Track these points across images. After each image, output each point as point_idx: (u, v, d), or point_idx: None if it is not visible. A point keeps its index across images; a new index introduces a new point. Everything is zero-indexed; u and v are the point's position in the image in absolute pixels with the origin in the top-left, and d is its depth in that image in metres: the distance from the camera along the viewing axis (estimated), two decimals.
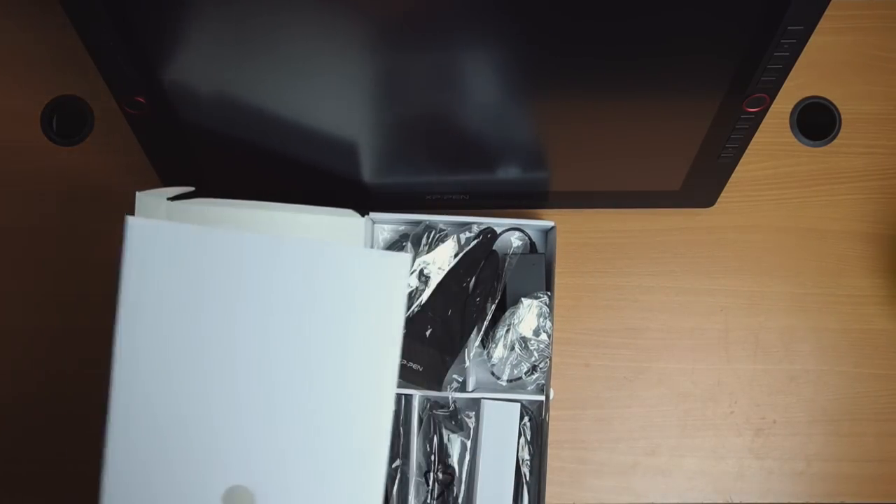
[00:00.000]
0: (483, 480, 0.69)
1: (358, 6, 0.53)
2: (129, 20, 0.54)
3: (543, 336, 0.69)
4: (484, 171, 0.71)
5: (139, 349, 0.50)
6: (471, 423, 0.71)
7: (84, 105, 0.78)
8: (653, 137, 0.66)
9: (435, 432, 0.71)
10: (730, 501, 0.75)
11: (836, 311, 0.77)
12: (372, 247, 0.73)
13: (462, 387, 0.71)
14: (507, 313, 0.70)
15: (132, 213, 0.62)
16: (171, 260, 0.49)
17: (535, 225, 0.73)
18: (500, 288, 0.71)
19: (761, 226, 0.78)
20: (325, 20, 0.54)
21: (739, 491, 0.75)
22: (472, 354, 0.70)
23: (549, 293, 0.70)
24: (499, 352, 0.70)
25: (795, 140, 0.79)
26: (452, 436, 0.70)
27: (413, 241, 0.72)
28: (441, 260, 0.70)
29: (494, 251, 0.72)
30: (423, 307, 0.70)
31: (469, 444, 0.70)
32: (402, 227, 0.75)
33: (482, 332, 0.70)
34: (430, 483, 0.70)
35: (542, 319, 0.69)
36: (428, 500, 0.70)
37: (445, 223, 0.72)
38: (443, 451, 0.71)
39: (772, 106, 0.62)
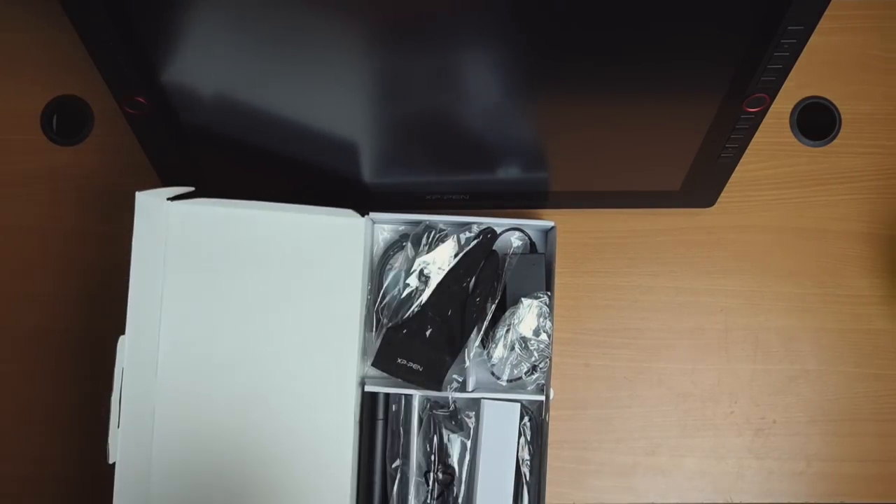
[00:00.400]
0: (483, 480, 0.69)
1: (358, 6, 0.53)
2: (129, 20, 0.54)
3: (543, 336, 0.69)
4: (484, 171, 0.71)
5: (182, 312, 0.68)
6: (471, 423, 0.71)
7: (84, 105, 0.78)
8: (652, 137, 0.66)
9: (435, 432, 0.71)
10: (730, 501, 0.75)
11: (836, 311, 0.77)
12: (372, 247, 0.74)
13: (462, 387, 0.71)
14: (507, 313, 0.70)
15: (132, 213, 0.62)
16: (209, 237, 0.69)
17: (535, 225, 0.73)
18: (500, 288, 0.71)
19: (761, 226, 0.78)
20: (325, 20, 0.54)
21: (739, 491, 0.75)
22: (472, 354, 0.70)
23: (549, 293, 0.70)
24: (499, 352, 0.70)
25: (795, 140, 0.79)
26: (452, 436, 0.71)
27: (413, 241, 0.72)
28: (441, 260, 0.70)
29: (494, 251, 0.72)
30: (423, 307, 0.70)
31: (469, 444, 0.70)
32: (402, 227, 0.75)
33: (482, 332, 0.70)
34: (430, 483, 0.70)
35: (542, 319, 0.69)
36: (428, 500, 0.70)
37: (445, 223, 0.72)
38: (443, 451, 0.71)
39: (772, 106, 0.62)
